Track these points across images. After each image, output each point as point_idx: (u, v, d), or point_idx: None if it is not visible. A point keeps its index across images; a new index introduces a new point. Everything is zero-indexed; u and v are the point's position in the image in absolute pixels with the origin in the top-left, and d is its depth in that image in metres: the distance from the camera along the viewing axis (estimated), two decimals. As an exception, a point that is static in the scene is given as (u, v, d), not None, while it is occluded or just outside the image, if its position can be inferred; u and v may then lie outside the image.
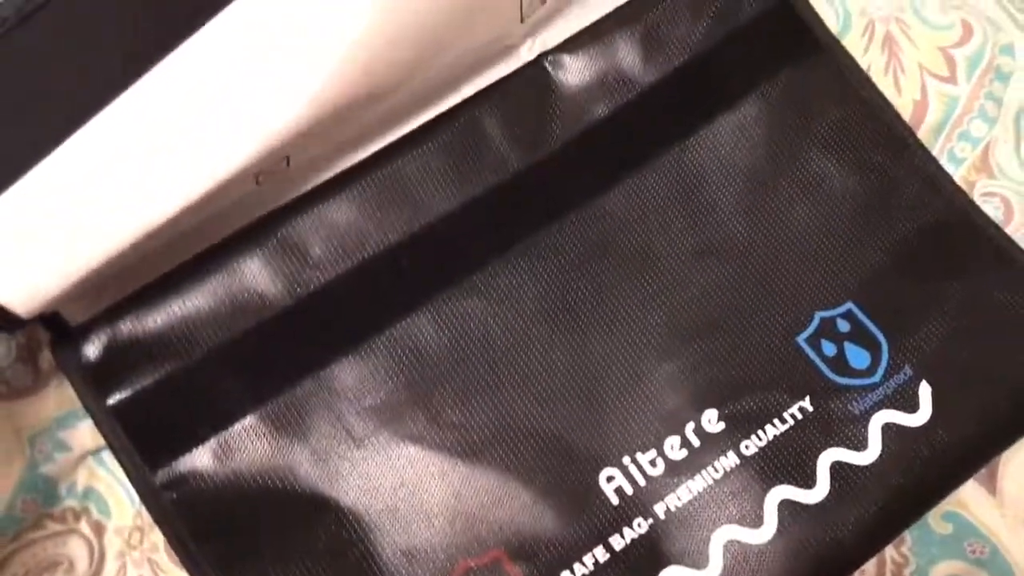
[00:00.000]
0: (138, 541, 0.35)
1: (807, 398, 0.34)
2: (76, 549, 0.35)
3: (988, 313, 0.35)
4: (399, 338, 0.34)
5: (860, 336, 0.35)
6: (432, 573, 0.31)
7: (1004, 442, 0.35)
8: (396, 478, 0.32)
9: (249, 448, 0.32)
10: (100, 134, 0.28)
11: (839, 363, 0.34)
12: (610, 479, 0.32)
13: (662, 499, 0.32)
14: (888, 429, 0.33)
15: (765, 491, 0.33)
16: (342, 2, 0.29)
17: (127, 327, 0.32)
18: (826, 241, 0.36)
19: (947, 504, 0.36)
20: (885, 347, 0.35)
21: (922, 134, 0.40)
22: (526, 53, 0.38)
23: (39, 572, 0.34)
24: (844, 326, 0.35)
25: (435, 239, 0.34)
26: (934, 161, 0.38)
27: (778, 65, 0.38)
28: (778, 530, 0.32)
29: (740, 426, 0.33)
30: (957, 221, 0.37)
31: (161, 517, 0.31)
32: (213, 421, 0.32)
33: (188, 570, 0.31)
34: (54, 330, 0.32)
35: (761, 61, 0.38)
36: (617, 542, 0.32)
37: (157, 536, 0.34)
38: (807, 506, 0.32)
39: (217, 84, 0.29)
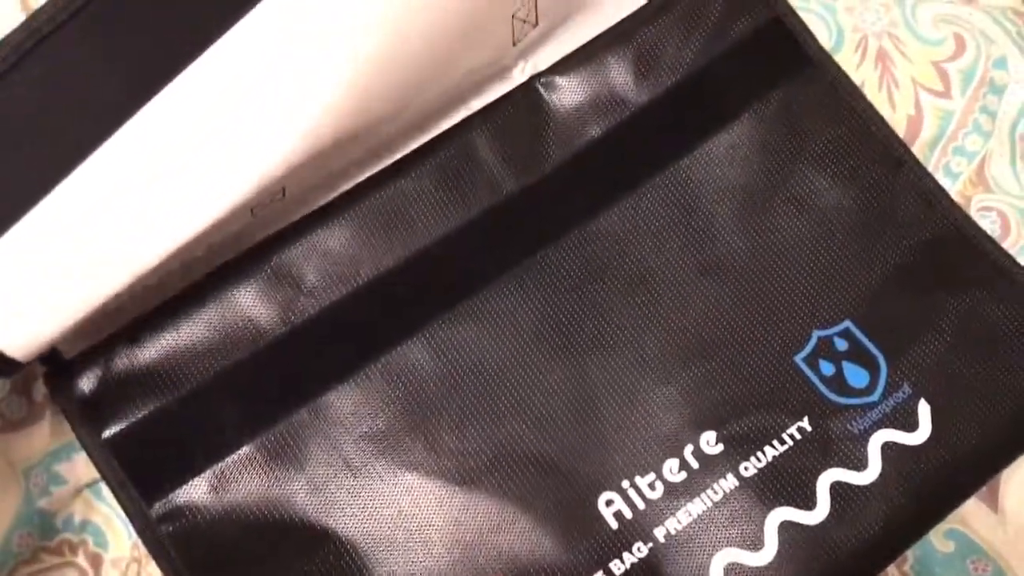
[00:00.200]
0: (135, 573, 0.35)
1: (806, 418, 0.34)
2: (73, 582, 0.35)
3: (986, 329, 0.35)
4: (395, 365, 0.33)
5: (858, 355, 0.35)
6: (432, 601, 0.31)
7: (1005, 459, 0.35)
8: (394, 506, 0.32)
9: (245, 479, 0.32)
10: (98, 174, 0.28)
11: (837, 382, 0.34)
12: (609, 503, 0.32)
13: (662, 523, 0.32)
14: (888, 448, 0.33)
15: (765, 513, 0.32)
16: (338, 38, 0.29)
17: (121, 359, 0.32)
18: (822, 259, 0.36)
19: (949, 522, 0.36)
20: (883, 365, 0.34)
21: (917, 149, 0.40)
22: (519, 75, 0.38)
23: (37, 605, 0.34)
24: (842, 345, 0.35)
25: (429, 264, 0.34)
26: (930, 176, 0.38)
27: (771, 83, 0.38)
28: (779, 552, 0.32)
29: (739, 448, 0.33)
30: (953, 237, 0.37)
31: (158, 551, 0.31)
32: (208, 452, 0.32)
33: (186, 602, 0.31)
34: (48, 363, 0.32)
35: (754, 79, 0.38)
36: (617, 567, 0.32)
37: (155, 568, 0.34)
38: (808, 527, 0.32)
39: (214, 122, 0.29)
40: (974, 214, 0.39)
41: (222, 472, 0.32)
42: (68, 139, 0.28)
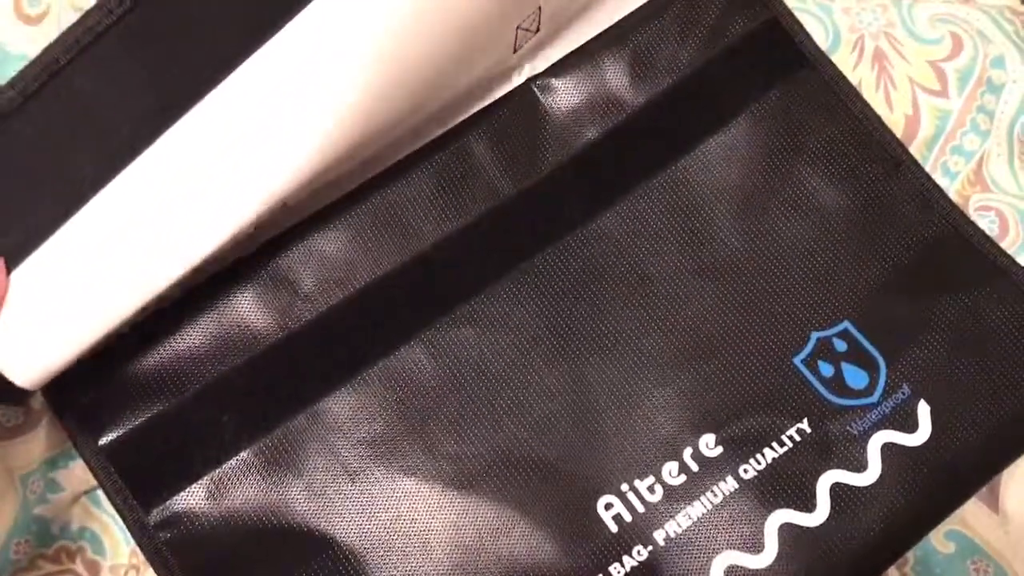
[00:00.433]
0: (134, 579, 0.35)
1: (805, 420, 0.34)
2: (71, 589, 0.35)
3: (985, 329, 0.35)
4: (393, 369, 0.33)
5: (857, 356, 0.34)
6: (431, 607, 0.31)
7: (1005, 460, 0.35)
8: (393, 511, 0.32)
9: (243, 485, 0.32)
10: (113, 203, 0.28)
11: (837, 384, 0.34)
12: (608, 507, 0.32)
13: (661, 526, 0.32)
14: (887, 449, 0.33)
15: (765, 515, 0.32)
16: (347, 66, 0.29)
17: (118, 366, 0.32)
18: (820, 260, 0.36)
19: (949, 523, 0.36)
20: (882, 366, 0.34)
21: (915, 149, 0.40)
22: (518, 79, 0.37)
23: (34, 613, 0.34)
24: (841, 346, 0.35)
25: (427, 268, 0.34)
26: (927, 177, 0.37)
27: (768, 83, 0.38)
28: (779, 554, 0.32)
29: (738, 450, 0.33)
30: (952, 236, 0.37)
31: (155, 558, 0.31)
32: (206, 459, 0.32)
33: (184, 609, 0.31)
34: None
35: (751, 80, 0.38)
36: (617, 570, 0.31)
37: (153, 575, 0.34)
38: (808, 529, 0.32)
39: (228, 148, 0.29)
40: (972, 214, 0.39)
41: (220, 478, 0.32)
42: (83, 170, 0.28)
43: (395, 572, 0.31)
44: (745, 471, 0.33)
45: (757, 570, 0.32)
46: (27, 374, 0.29)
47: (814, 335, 0.35)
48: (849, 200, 0.37)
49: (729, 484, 0.33)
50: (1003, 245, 0.37)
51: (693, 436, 0.33)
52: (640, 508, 0.32)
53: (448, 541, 0.32)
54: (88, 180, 0.28)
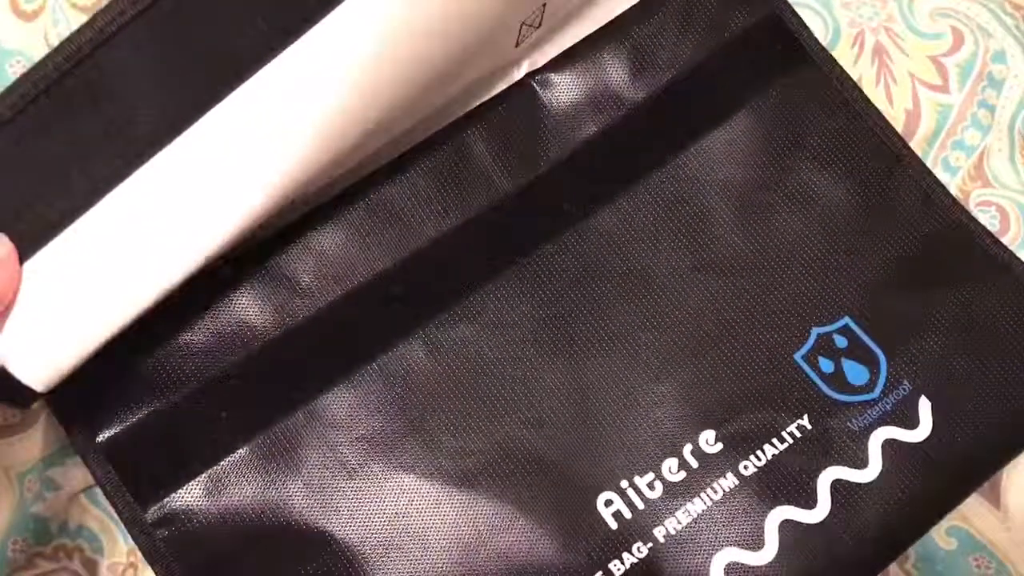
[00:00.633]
0: (132, 578, 0.35)
1: (806, 416, 0.33)
2: (69, 587, 0.34)
3: (986, 325, 0.35)
4: (391, 366, 0.33)
5: (858, 352, 0.34)
6: (430, 604, 0.31)
7: (1006, 456, 0.35)
8: (391, 508, 0.32)
9: (241, 482, 0.32)
10: (126, 200, 0.28)
11: (837, 380, 0.34)
12: (608, 503, 0.32)
13: (661, 523, 0.32)
14: (888, 445, 0.33)
15: (765, 512, 0.32)
16: (365, 59, 0.29)
17: (115, 363, 0.31)
18: (821, 255, 0.36)
19: (951, 519, 0.36)
20: (883, 362, 0.34)
21: (915, 144, 0.39)
22: (518, 74, 0.37)
23: (32, 611, 0.34)
24: (841, 342, 0.34)
25: (425, 264, 0.34)
26: (928, 172, 0.37)
27: (768, 79, 0.38)
28: (779, 551, 0.32)
29: (738, 446, 0.33)
30: (952, 232, 0.36)
31: (153, 556, 0.31)
32: (204, 456, 0.32)
33: (183, 607, 0.31)
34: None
35: (751, 75, 0.38)
36: (617, 567, 0.31)
37: (151, 573, 0.34)
38: (808, 526, 0.32)
39: (238, 149, 0.29)
40: (973, 209, 0.39)
41: (218, 476, 0.31)
42: (101, 163, 0.28)
43: (394, 569, 0.31)
44: (745, 467, 0.33)
45: (757, 567, 0.31)
46: (39, 375, 0.28)
47: (814, 331, 0.35)
48: (849, 196, 0.37)
49: (729, 480, 0.32)
50: (1004, 240, 0.37)
51: (693, 432, 0.33)
52: (640, 505, 0.32)
53: (447, 538, 0.31)
54: (106, 173, 0.28)
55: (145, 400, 0.32)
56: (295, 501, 0.31)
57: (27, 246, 0.27)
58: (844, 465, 0.33)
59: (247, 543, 0.31)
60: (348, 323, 0.33)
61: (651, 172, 0.36)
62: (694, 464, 0.33)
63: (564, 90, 0.37)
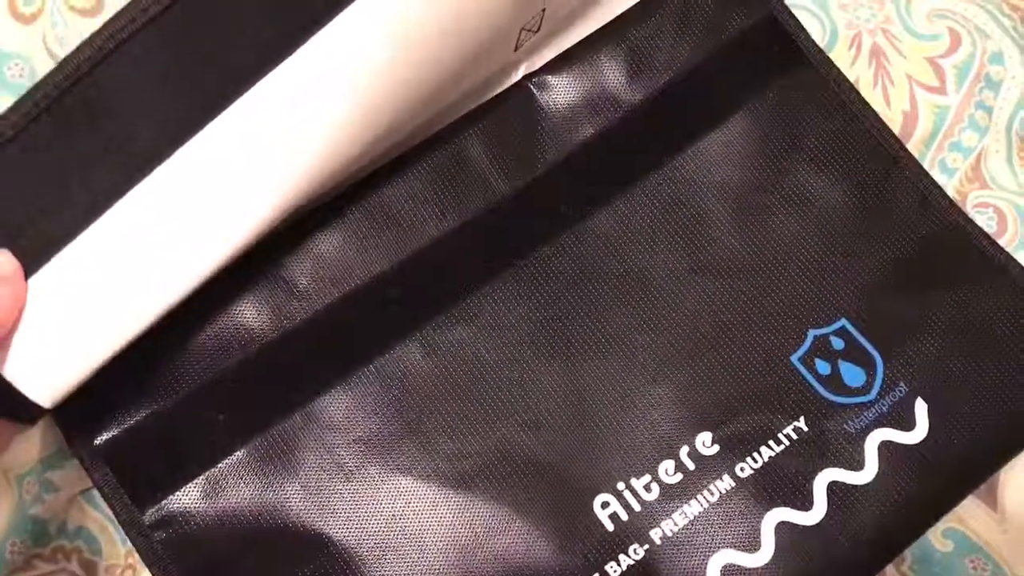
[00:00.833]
0: (130, 579, 0.35)
1: (802, 418, 0.33)
2: (67, 588, 0.35)
3: (982, 327, 0.35)
4: (388, 368, 0.33)
5: (854, 353, 0.34)
6: (426, 606, 0.31)
7: (1003, 458, 0.35)
8: (388, 510, 0.32)
9: (238, 485, 0.32)
10: (131, 212, 0.28)
11: (834, 382, 0.34)
12: (604, 505, 0.32)
13: (658, 524, 0.32)
14: (884, 447, 0.33)
15: (762, 514, 0.32)
16: (366, 66, 0.29)
17: (112, 366, 0.31)
18: (818, 257, 0.36)
19: (947, 521, 0.36)
20: (880, 364, 0.34)
21: (912, 146, 0.39)
22: (515, 76, 0.37)
23: (30, 612, 0.34)
24: (838, 344, 0.34)
25: (422, 267, 0.34)
26: (925, 174, 0.37)
27: (765, 80, 0.38)
28: (776, 553, 0.32)
29: (735, 448, 0.33)
30: (949, 234, 0.36)
31: (151, 558, 0.31)
32: (201, 458, 0.32)
33: (180, 609, 0.31)
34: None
35: (748, 77, 0.38)
36: (613, 569, 0.31)
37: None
38: (805, 528, 0.32)
39: (245, 156, 0.29)
40: (970, 211, 0.39)
41: (215, 478, 0.32)
42: (104, 176, 0.28)
43: (391, 571, 0.31)
44: (742, 469, 0.33)
45: (754, 568, 0.32)
46: (46, 391, 0.28)
47: (811, 333, 0.35)
48: (846, 197, 0.37)
49: (726, 483, 0.32)
50: (1001, 242, 0.37)
51: (689, 434, 0.33)
52: (636, 507, 0.32)
53: (444, 540, 0.32)
54: (107, 188, 0.28)
55: (142, 402, 0.32)
56: (292, 503, 0.32)
57: (31, 262, 0.27)
58: (840, 467, 0.33)
59: (244, 545, 0.31)
60: (345, 325, 0.33)
61: (648, 174, 0.36)
62: (691, 466, 0.33)
63: (561, 92, 0.37)
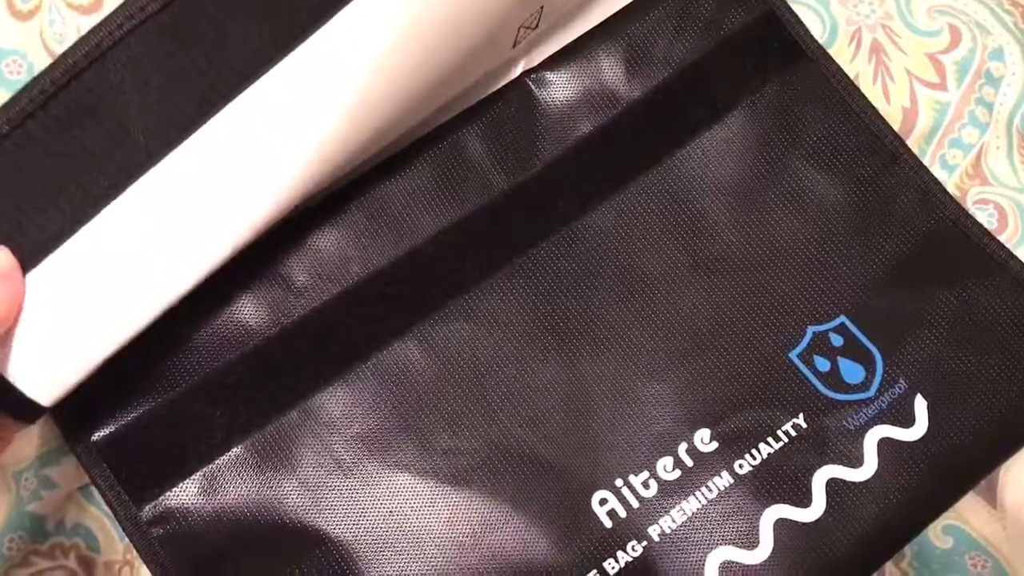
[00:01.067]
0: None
1: (801, 415, 0.33)
2: (64, 585, 0.35)
3: (982, 324, 0.35)
4: (386, 364, 0.33)
5: (854, 350, 0.34)
6: (424, 602, 0.31)
7: (1002, 454, 0.34)
8: (386, 507, 0.32)
9: (236, 481, 0.32)
10: (130, 208, 0.28)
11: (833, 378, 0.34)
12: (603, 502, 0.32)
13: (656, 521, 0.32)
14: (884, 444, 0.33)
15: (760, 510, 0.32)
16: (364, 66, 0.29)
17: (110, 362, 0.31)
18: (817, 254, 0.35)
19: (947, 518, 0.36)
20: (879, 361, 0.34)
21: (913, 142, 0.39)
22: (513, 73, 0.37)
23: (28, 609, 0.34)
24: (837, 340, 0.34)
25: (420, 263, 0.34)
26: (925, 170, 0.37)
27: (765, 77, 0.38)
28: (774, 550, 0.32)
29: (733, 445, 0.33)
30: (949, 231, 0.36)
31: (149, 554, 0.31)
32: (199, 454, 0.32)
33: (178, 605, 0.31)
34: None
35: (747, 73, 0.38)
36: (611, 566, 0.31)
37: (147, 571, 0.34)
38: (803, 525, 0.32)
39: (243, 154, 0.29)
40: (970, 207, 0.39)
41: (212, 474, 0.32)
42: (102, 174, 0.28)
43: (388, 567, 0.31)
44: (740, 466, 0.33)
45: (752, 566, 0.31)
46: (45, 390, 0.28)
47: (810, 329, 0.35)
48: (846, 194, 0.36)
49: (724, 479, 0.32)
50: (1002, 239, 0.37)
51: (688, 431, 0.33)
52: (635, 503, 0.32)
53: (441, 537, 0.32)
54: (105, 185, 0.28)
55: (140, 399, 0.32)
56: (290, 499, 0.31)
57: (29, 259, 0.27)
58: (839, 464, 0.33)
59: (242, 541, 0.31)
60: (343, 322, 0.33)
61: (647, 170, 0.36)
62: (689, 463, 0.33)
63: (560, 88, 0.37)
